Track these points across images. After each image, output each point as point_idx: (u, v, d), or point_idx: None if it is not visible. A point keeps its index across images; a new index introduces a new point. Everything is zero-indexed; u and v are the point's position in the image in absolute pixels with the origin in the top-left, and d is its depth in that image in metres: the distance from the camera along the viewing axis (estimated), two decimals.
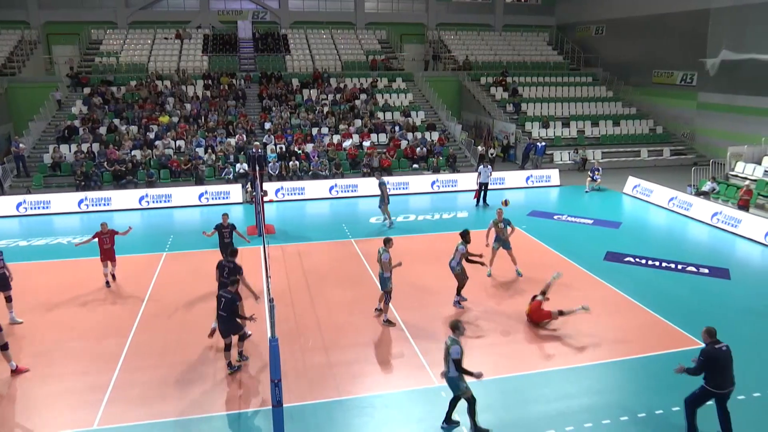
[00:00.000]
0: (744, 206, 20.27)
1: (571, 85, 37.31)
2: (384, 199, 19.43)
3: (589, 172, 25.57)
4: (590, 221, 20.35)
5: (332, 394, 9.84)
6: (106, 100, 30.11)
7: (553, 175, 26.67)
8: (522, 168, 28.53)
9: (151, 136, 27.61)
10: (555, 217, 20.97)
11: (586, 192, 24.82)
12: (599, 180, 24.95)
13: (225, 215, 14.83)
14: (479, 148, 29.62)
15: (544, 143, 29.35)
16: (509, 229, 15.06)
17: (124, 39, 37.05)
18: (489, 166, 23.17)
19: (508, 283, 14.77)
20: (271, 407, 8.21)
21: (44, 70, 36.86)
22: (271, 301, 8.74)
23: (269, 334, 8.05)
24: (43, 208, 22.13)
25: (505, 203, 16.56)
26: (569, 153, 30.74)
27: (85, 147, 26.04)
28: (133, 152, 26.06)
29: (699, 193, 22.52)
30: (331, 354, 11.22)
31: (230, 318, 10.23)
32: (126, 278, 14.99)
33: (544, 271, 15.34)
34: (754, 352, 11.20)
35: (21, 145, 25.56)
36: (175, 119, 29.13)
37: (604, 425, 9.01)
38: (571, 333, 12.04)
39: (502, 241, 15.11)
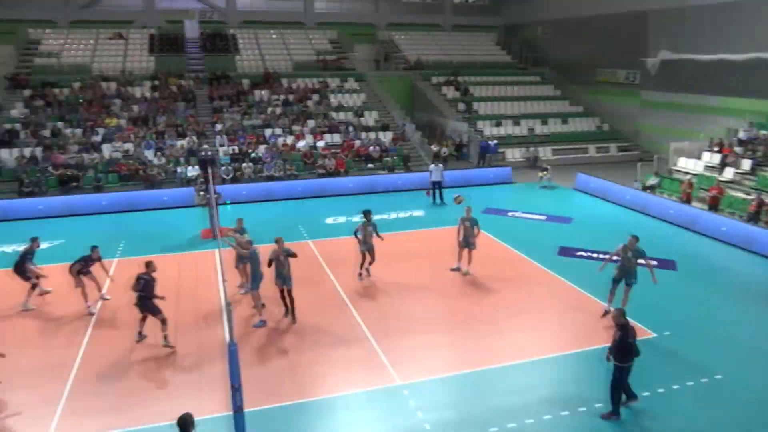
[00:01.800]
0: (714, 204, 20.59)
1: (520, 84, 38.11)
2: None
3: (539, 170, 26.17)
4: (543, 217, 20.83)
5: (293, 397, 9.75)
6: (49, 102, 28.96)
7: (507, 173, 27.16)
8: (477, 166, 28.94)
9: (98, 139, 26.72)
10: (509, 213, 21.37)
11: (538, 188, 25.40)
12: (549, 177, 25.54)
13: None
14: (433, 147, 29.91)
15: (496, 142, 29.88)
16: (475, 229, 14.81)
17: (65, 39, 35.69)
18: (440, 165, 23.42)
19: (466, 281, 14.93)
20: (232, 413, 8.08)
21: None
22: (228, 305, 8.60)
23: (227, 339, 7.91)
24: None
25: (458, 200, 16.70)
26: (521, 150, 31.38)
27: (27, 151, 24.99)
28: (80, 155, 25.15)
29: (645, 188, 23.33)
30: (292, 356, 11.13)
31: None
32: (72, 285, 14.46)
33: (500, 266, 15.66)
34: (697, 337, 11.72)
35: None
36: (123, 122, 28.28)
37: (563, 416, 9.23)
38: (526, 326, 12.31)
39: (467, 241, 14.88)
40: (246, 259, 12.94)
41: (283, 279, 12.26)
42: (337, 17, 42.12)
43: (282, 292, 12.47)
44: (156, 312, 11.41)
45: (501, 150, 30.59)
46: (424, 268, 15.65)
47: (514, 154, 31.26)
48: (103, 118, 28.21)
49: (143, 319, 11.66)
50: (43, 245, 16.04)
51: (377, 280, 14.86)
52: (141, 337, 11.70)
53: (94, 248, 13.48)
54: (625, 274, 12.19)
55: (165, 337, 11.45)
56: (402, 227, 19.65)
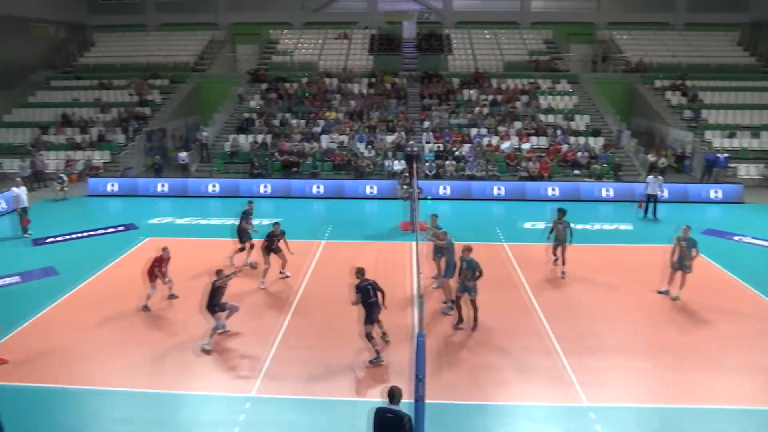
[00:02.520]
0: None
1: (764, 91, 33.12)
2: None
3: None
4: None
5: (472, 397, 9.70)
6: (280, 95, 32.45)
7: (737, 191, 23.93)
8: (701, 181, 25.98)
9: (318, 130, 29.30)
10: (735, 237, 18.81)
11: None
12: None
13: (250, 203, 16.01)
14: (650, 156, 27.47)
15: (726, 155, 26.46)
16: (693, 251, 13.29)
17: (298, 39, 39.65)
18: (659, 177, 21.38)
19: (674, 306, 13.46)
20: (413, 401, 8.29)
21: (229, 67, 40.61)
22: (421, 296, 8.82)
23: (417, 330, 8.12)
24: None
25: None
26: (757, 167, 27.38)
27: (259, 138, 28.34)
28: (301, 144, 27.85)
29: None
30: (476, 357, 11.08)
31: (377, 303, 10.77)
32: (288, 261, 16.04)
33: (716, 296, 13.87)
34: None
35: (204, 134, 28.61)
36: (340, 115, 30.60)
37: None
38: (743, 367, 10.64)
39: (681, 263, 13.45)
40: (443, 251, 13.10)
41: (466, 288, 12.01)
42: (554, 16, 40.70)
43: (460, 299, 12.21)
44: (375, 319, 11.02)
45: (732, 165, 26.99)
46: (627, 286, 14.46)
47: (748, 171, 27.39)
48: (324, 111, 30.83)
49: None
50: (264, 221, 18.08)
51: (573, 291, 14.12)
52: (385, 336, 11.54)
53: (275, 224, 14.60)
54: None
55: (384, 333, 11.43)
56: (606, 240, 18.44)
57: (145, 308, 12.86)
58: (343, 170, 26.66)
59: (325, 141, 28.49)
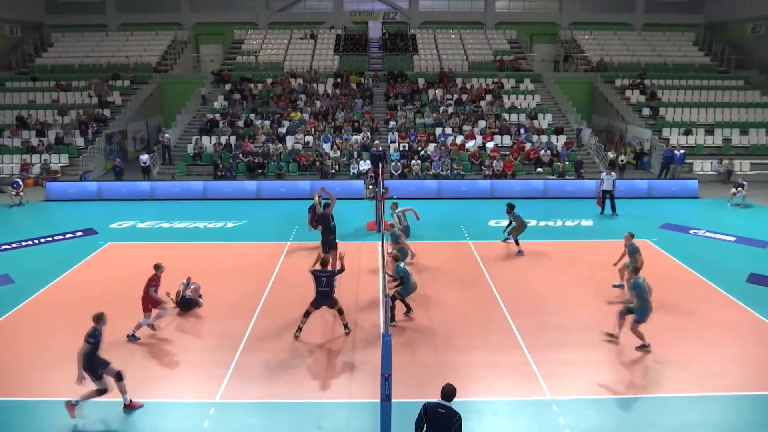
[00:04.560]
0: None
1: (719, 89, 34.22)
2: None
3: (733, 186, 23.36)
4: (732, 238, 18.57)
5: (437, 394, 9.74)
6: (245, 96, 32.15)
7: (693, 187, 24.66)
8: (659, 177, 26.67)
9: (283, 131, 29.11)
10: (691, 231, 19.38)
11: (729, 206, 22.73)
12: (744, 194, 22.68)
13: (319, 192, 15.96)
14: (610, 154, 28.09)
15: (683, 152, 27.22)
16: (636, 257, 13.33)
17: (263, 39, 39.34)
18: (612, 173, 21.82)
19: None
20: (379, 400, 8.32)
21: (192, 68, 40.07)
22: (387, 296, 8.85)
23: (382, 329, 8.15)
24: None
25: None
26: (712, 163, 28.28)
27: (223, 139, 28.01)
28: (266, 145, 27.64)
29: None
30: (440, 354, 11.18)
31: (331, 293, 11.62)
32: (253, 264, 15.91)
33: (674, 289, 14.26)
34: None
35: (166, 135, 28.17)
36: (306, 116, 30.47)
37: None
38: (699, 358, 11.02)
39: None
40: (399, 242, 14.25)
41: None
42: (517, 17, 41.31)
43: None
44: (335, 303, 11.74)
45: (688, 161, 27.80)
46: (588, 281, 14.79)
47: (703, 167, 28.26)
48: (289, 111, 30.66)
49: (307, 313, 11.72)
50: (229, 224, 17.92)
51: (537, 287, 14.36)
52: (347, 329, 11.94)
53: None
54: None
55: (345, 325, 11.91)
56: (568, 236, 18.78)
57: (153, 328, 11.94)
58: (309, 171, 26.56)
59: (290, 142, 28.33)
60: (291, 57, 37.22)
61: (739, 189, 22.78)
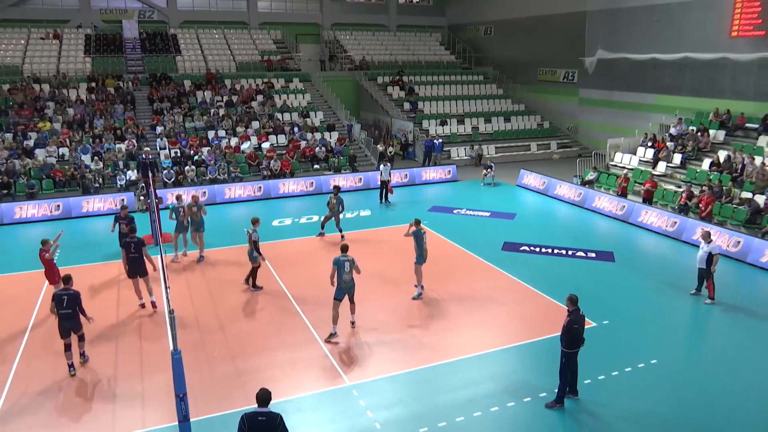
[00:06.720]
0: (623, 194, 21.93)
1: (465, 84, 38.71)
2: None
3: (483, 168, 26.67)
4: (487, 213, 21.23)
5: (241, 403, 9.61)
6: None
7: (452, 172, 27.58)
8: (423, 165, 29.26)
9: (30, 144, 25.60)
10: (454, 211, 21.69)
11: (482, 186, 25.89)
12: (493, 175, 26.04)
13: (124, 208, 15.86)
14: (379, 146, 29.99)
15: (441, 140, 30.27)
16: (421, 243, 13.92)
17: None
18: (388, 164, 23.56)
19: (413, 279, 15.02)
20: (177, 423, 7.91)
21: None
22: (171, 312, 8.39)
23: (171, 347, 7.73)
24: None
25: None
26: (465, 149, 31.90)
27: None
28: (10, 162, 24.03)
29: (584, 183, 24.10)
30: (238, 362, 10.97)
31: (75, 315, 10.51)
32: (7, 299, 13.83)
33: (445, 263, 15.86)
34: (633, 325, 12.21)
35: None
36: (57, 126, 27.19)
37: (510, 407, 9.46)
38: (473, 322, 12.53)
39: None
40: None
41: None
42: (281, 17, 41.69)
43: None
44: (80, 328, 10.73)
45: (446, 149, 31.02)
46: (371, 268, 15.68)
47: (459, 153, 31.74)
48: (36, 121, 27.06)
49: (68, 347, 10.52)
50: None
51: (325, 280, 14.80)
52: (85, 358, 11.02)
53: None
54: None
55: (82, 353, 10.99)
56: (349, 227, 19.64)
57: None
58: (67, 186, 23.78)
59: (41, 155, 25.03)
60: (31, 59, 32.77)
61: (488, 170, 26.08)
